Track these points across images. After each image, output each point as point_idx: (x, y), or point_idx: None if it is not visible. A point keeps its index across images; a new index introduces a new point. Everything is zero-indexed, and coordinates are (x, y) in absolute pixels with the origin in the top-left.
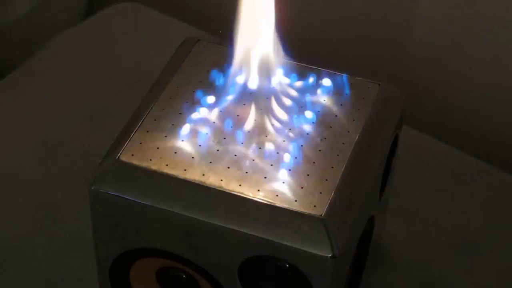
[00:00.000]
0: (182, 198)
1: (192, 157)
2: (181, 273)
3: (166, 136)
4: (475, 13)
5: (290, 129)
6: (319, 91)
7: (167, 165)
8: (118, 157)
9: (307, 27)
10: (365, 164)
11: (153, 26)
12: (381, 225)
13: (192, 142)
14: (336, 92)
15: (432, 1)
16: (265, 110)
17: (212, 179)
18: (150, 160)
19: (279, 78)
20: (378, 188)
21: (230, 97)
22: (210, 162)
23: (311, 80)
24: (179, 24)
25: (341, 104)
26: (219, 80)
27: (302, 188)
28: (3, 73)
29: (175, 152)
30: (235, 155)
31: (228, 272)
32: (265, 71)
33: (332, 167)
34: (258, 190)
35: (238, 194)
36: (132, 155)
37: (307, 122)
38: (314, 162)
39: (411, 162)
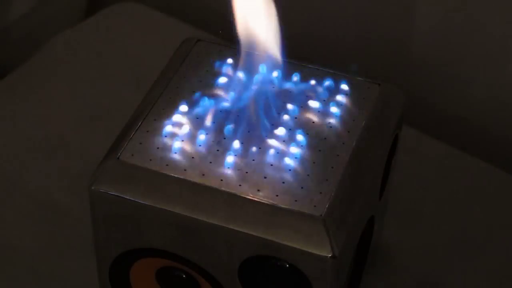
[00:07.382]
0: (182, 198)
1: (192, 157)
2: (181, 273)
3: (166, 136)
4: (476, 13)
5: (290, 129)
6: (319, 90)
7: (167, 165)
8: (118, 157)
9: (308, 26)
10: (365, 164)
11: (153, 26)
12: (381, 225)
13: (192, 142)
14: (336, 92)
15: (432, 2)
16: (265, 110)
17: (212, 179)
18: (150, 160)
19: (280, 78)
20: (378, 188)
21: (230, 97)
22: (210, 162)
23: (311, 80)
24: (179, 24)
25: (341, 104)
26: (219, 80)
27: (302, 188)
28: (3, 73)
29: (175, 152)
30: (235, 155)
31: (228, 272)
32: (265, 71)
33: (332, 167)
34: (258, 190)
35: (238, 194)
36: (132, 155)
37: (307, 122)
38: (314, 162)
39: (411, 162)
